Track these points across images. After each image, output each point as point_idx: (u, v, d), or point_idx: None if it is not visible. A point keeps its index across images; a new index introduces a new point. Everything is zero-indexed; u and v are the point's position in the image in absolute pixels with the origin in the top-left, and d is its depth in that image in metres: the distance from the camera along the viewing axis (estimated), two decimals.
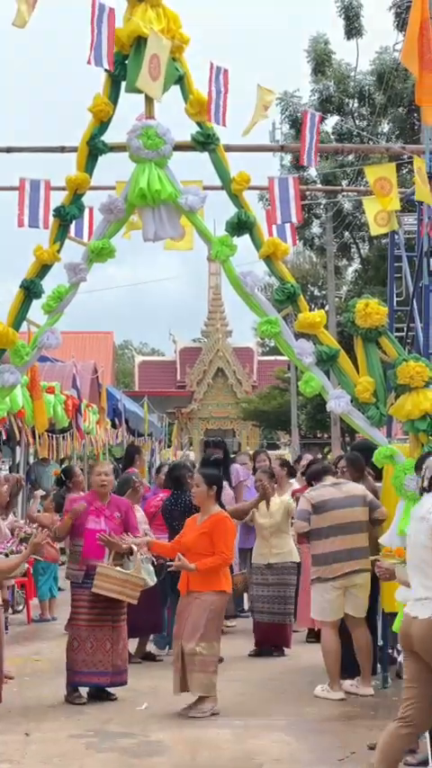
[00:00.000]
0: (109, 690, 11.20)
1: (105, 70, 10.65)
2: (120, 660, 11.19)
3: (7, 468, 23.02)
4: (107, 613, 11.17)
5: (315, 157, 11.15)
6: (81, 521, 11.16)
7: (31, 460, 20.75)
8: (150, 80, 10.40)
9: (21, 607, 16.12)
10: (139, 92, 10.70)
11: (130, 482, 13.37)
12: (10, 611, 13.80)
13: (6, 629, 11.40)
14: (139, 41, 10.50)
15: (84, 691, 11.19)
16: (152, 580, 11.97)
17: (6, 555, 10.48)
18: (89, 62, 10.42)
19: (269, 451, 22.33)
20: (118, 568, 11.09)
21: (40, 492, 16.46)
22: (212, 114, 10.71)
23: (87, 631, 11.06)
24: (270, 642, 13.49)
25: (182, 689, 10.66)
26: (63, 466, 18.71)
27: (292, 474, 15.52)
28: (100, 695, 11.17)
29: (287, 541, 13.47)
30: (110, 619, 11.18)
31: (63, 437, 20.58)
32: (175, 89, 10.76)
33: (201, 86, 10.76)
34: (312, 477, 12.12)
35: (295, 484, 15.07)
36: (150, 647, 13.47)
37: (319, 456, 16.78)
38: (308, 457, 16.98)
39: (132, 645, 12.65)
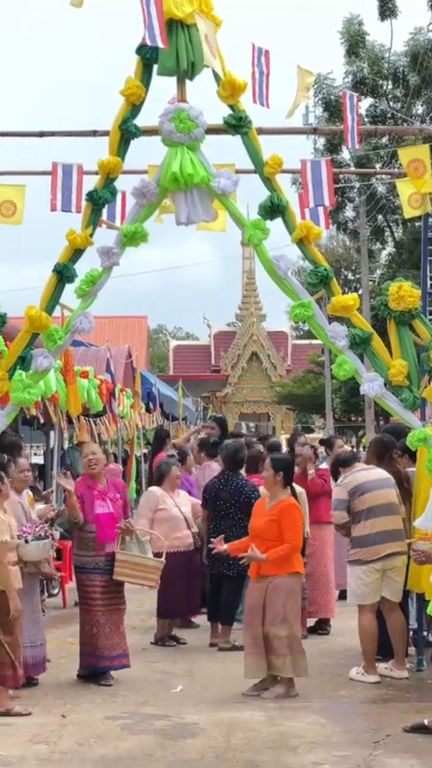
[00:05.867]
0: (112, 675, 11.23)
1: (139, 51, 10.63)
2: (125, 641, 11.31)
3: (42, 452, 23.10)
4: (119, 597, 11.28)
5: (358, 138, 11.13)
6: (88, 506, 11.17)
7: (66, 445, 20.80)
8: (212, 58, 10.42)
9: (56, 591, 16.18)
10: (171, 74, 10.70)
11: (165, 465, 13.47)
12: (45, 594, 13.82)
13: (43, 611, 11.44)
14: (171, 24, 10.47)
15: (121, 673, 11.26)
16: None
17: (27, 541, 10.46)
18: (145, 43, 10.40)
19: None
20: (136, 554, 11.27)
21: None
22: (257, 96, 10.71)
23: (105, 616, 11.10)
24: None
25: (257, 673, 10.68)
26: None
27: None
28: (97, 680, 11.16)
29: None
30: (121, 602, 11.32)
31: (96, 421, 20.59)
32: (208, 71, 10.74)
33: (238, 68, 10.76)
34: (341, 464, 12.04)
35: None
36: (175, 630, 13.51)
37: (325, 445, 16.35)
38: (340, 443, 16.83)
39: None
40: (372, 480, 11.40)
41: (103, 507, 11.18)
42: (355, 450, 36.95)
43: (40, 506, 12.18)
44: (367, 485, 11.33)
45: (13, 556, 10.17)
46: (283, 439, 17.93)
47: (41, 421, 17.84)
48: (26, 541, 10.40)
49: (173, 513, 13.06)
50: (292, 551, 10.70)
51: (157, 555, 11.65)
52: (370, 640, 11.21)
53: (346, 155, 37.71)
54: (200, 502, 13.42)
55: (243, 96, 10.77)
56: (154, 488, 13.38)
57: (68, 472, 11.66)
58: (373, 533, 11.17)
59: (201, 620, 13.73)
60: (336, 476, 12.01)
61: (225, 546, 11.28)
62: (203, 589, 13.32)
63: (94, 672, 11.17)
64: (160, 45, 10.30)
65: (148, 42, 10.33)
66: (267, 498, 11.02)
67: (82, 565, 11.26)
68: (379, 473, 11.57)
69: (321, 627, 13.76)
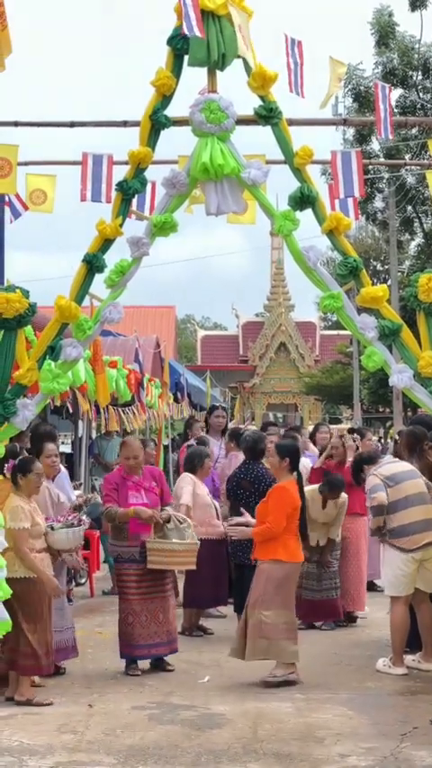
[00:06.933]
0: (167, 660, 11.31)
1: (170, 42, 10.61)
2: (171, 628, 11.35)
3: (70, 442, 23.12)
4: (156, 585, 11.30)
5: (390, 128, 11.09)
6: (122, 498, 11.22)
7: (94, 434, 20.81)
8: (245, 49, 10.41)
9: (84, 580, 16.22)
10: (202, 66, 10.67)
11: (198, 456, 13.49)
12: (73, 584, 13.88)
13: (71, 601, 11.48)
14: (202, 15, 10.42)
15: (143, 663, 11.27)
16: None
17: (52, 528, 10.48)
18: (182, 33, 10.38)
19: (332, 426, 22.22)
20: (167, 540, 11.27)
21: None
22: (292, 86, 10.70)
23: (140, 605, 11.16)
24: (318, 617, 13.42)
25: (238, 655, 10.84)
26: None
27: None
28: (159, 666, 11.28)
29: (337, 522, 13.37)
30: (159, 590, 11.33)
31: (124, 411, 20.58)
32: (238, 62, 10.71)
33: (268, 58, 10.72)
34: (366, 461, 12.00)
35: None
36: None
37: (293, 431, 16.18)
38: (369, 435, 16.83)
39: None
40: (402, 471, 11.41)
41: (137, 498, 11.23)
42: (382, 440, 36.90)
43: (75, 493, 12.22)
44: (400, 475, 11.33)
45: (40, 543, 10.20)
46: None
47: (70, 410, 17.86)
48: (51, 528, 10.42)
49: (207, 500, 13.18)
50: (270, 532, 10.73)
51: None
52: (400, 633, 11.19)
53: (375, 145, 37.63)
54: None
55: (274, 87, 10.75)
56: (189, 474, 13.42)
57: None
58: (411, 523, 11.13)
59: (227, 610, 13.75)
60: (358, 473, 11.99)
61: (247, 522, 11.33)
62: (231, 579, 13.33)
63: (130, 660, 11.22)
64: (198, 35, 10.26)
65: (186, 32, 10.28)
66: None
67: (118, 555, 11.37)
68: (404, 465, 11.57)
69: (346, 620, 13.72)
